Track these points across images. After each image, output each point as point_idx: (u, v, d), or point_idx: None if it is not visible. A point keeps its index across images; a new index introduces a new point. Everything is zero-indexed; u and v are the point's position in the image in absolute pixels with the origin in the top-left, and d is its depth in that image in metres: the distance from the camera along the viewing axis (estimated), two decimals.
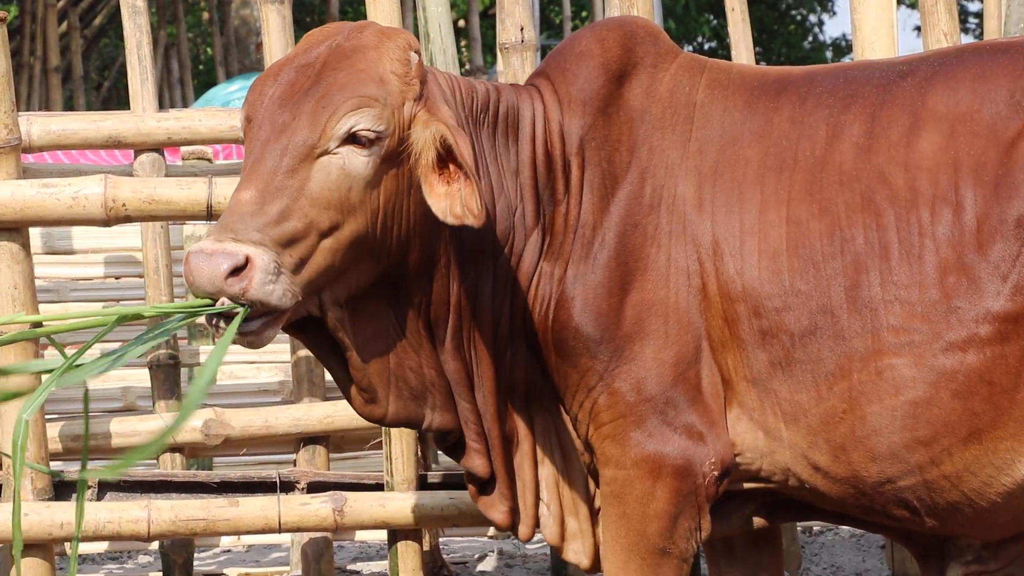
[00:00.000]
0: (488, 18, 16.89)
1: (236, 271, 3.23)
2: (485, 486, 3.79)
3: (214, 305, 3.26)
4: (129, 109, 5.08)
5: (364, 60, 3.46)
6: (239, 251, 3.24)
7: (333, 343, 3.59)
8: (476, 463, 3.74)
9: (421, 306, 3.60)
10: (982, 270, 3.39)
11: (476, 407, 3.71)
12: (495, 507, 3.78)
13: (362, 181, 3.40)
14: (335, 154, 3.38)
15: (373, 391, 3.63)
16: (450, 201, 3.41)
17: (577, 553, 3.83)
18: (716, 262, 3.57)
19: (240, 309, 3.25)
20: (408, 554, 4.76)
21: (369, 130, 3.39)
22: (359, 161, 3.39)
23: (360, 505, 4.66)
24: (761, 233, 3.55)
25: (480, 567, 5.47)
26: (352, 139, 3.38)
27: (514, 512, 3.79)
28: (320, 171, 3.37)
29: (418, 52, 3.54)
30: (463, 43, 16.45)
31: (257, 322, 3.30)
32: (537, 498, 3.80)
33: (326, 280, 3.40)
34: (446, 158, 3.43)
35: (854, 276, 3.47)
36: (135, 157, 5.11)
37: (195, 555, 5.37)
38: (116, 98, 18.30)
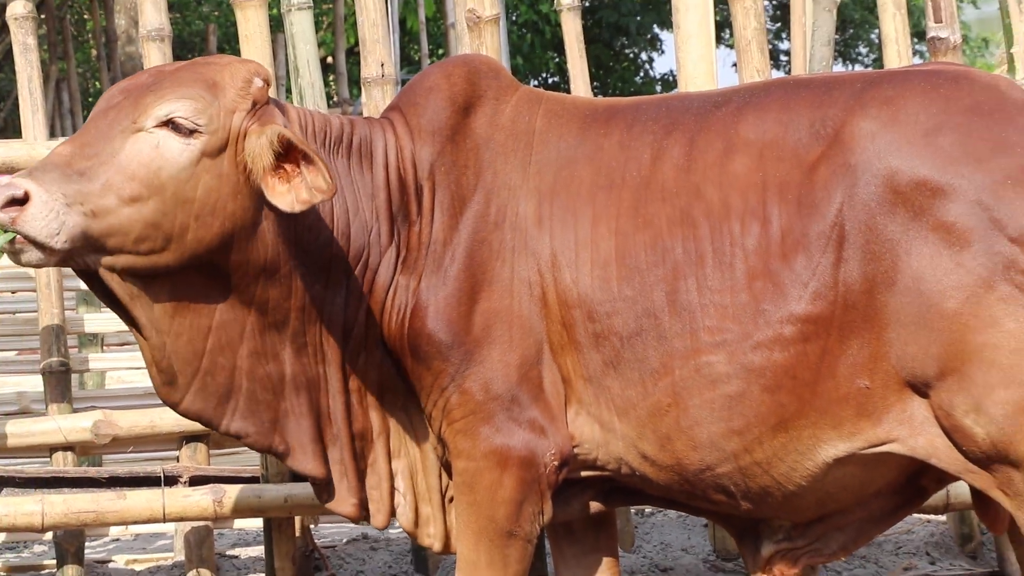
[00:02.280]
0: (353, 54, 16.81)
1: (15, 202, 3.29)
2: (325, 485, 3.74)
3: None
4: (21, 137, 5.01)
5: (207, 70, 3.50)
6: (22, 186, 3.29)
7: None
8: (309, 465, 3.70)
9: (256, 308, 3.56)
10: (786, 277, 3.43)
11: (315, 409, 3.67)
12: (345, 502, 3.75)
13: (175, 165, 3.40)
14: (151, 133, 3.40)
15: (173, 375, 3.56)
16: (295, 193, 3.41)
17: (431, 537, 3.83)
18: (554, 273, 3.59)
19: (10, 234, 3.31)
20: (282, 540, 4.75)
21: (187, 119, 3.40)
22: (174, 145, 3.40)
23: (238, 496, 4.64)
24: (593, 245, 3.57)
25: (348, 550, 5.45)
26: (171, 124, 3.40)
27: (363, 506, 3.77)
28: (133, 144, 3.39)
29: (267, 82, 3.55)
30: (331, 77, 16.38)
31: (33, 252, 3.33)
32: (392, 488, 3.79)
33: (120, 244, 3.39)
34: (284, 155, 3.43)
35: (674, 282, 3.50)
36: None
37: (86, 544, 5.29)
38: (12, 127, 18.02)
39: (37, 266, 3.42)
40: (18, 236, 3.30)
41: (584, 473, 3.71)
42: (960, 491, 4.62)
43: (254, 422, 3.65)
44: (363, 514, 3.78)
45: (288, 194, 3.42)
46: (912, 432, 3.40)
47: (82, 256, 3.39)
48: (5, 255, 3.35)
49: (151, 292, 3.48)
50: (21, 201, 3.29)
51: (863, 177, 3.39)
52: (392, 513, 3.80)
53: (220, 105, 3.45)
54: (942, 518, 5.60)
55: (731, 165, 3.52)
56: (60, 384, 5.10)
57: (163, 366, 3.55)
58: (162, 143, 3.40)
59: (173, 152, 3.41)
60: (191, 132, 3.41)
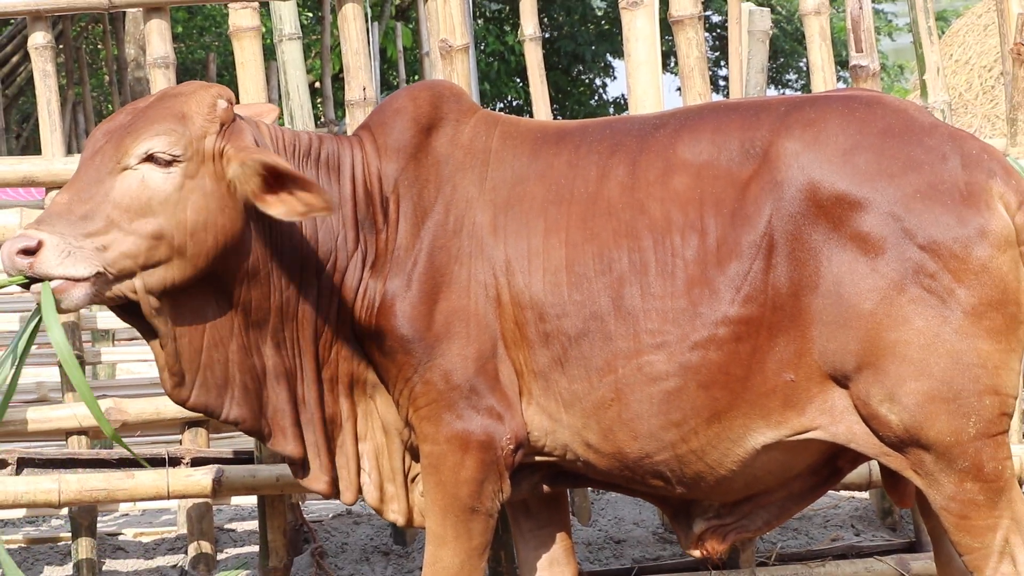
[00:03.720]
0: (338, 79, 16.78)
1: (28, 251, 3.32)
2: (302, 464, 3.75)
3: (28, 282, 3.37)
4: (41, 154, 4.99)
5: (175, 103, 3.50)
6: (34, 236, 3.33)
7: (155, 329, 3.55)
8: (288, 447, 3.70)
9: (241, 307, 3.57)
10: (721, 283, 3.43)
11: (293, 397, 3.68)
12: (318, 479, 3.74)
13: (162, 193, 3.41)
14: (135, 169, 3.41)
15: (182, 376, 3.56)
16: (288, 205, 3.42)
17: (395, 513, 3.81)
18: (508, 277, 3.58)
19: (42, 283, 3.35)
20: (274, 515, 4.74)
21: (164, 152, 3.41)
22: (158, 176, 3.41)
23: (235, 476, 4.62)
24: (545, 254, 3.57)
25: (333, 524, 5.44)
26: (151, 159, 3.41)
27: (334, 483, 3.76)
28: (122, 182, 3.40)
29: (230, 102, 3.56)
30: (318, 100, 16.34)
31: (65, 288, 3.35)
32: (359, 469, 3.78)
33: (133, 266, 3.40)
34: (272, 180, 3.43)
35: (619, 289, 3.49)
36: (46, 193, 5.01)
37: (98, 518, 5.27)
38: (33, 145, 17.95)
39: (78, 306, 3.44)
40: (55, 285, 3.35)
41: (534, 458, 3.70)
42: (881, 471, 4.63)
43: (247, 410, 3.64)
44: (334, 491, 3.77)
45: (282, 204, 3.43)
46: (833, 420, 3.40)
47: (108, 287, 3.41)
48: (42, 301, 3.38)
49: (166, 305, 3.49)
50: (34, 251, 3.33)
51: (789, 192, 3.40)
52: (359, 491, 3.79)
53: (191, 134, 3.45)
54: (865, 494, 5.62)
55: (671, 182, 3.51)
56: None
57: (174, 370, 3.55)
58: (147, 176, 3.41)
59: (158, 182, 3.42)
60: (170, 163, 3.42)
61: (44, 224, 3.35)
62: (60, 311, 3.40)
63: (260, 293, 3.58)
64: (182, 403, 3.62)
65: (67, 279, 3.34)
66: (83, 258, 3.35)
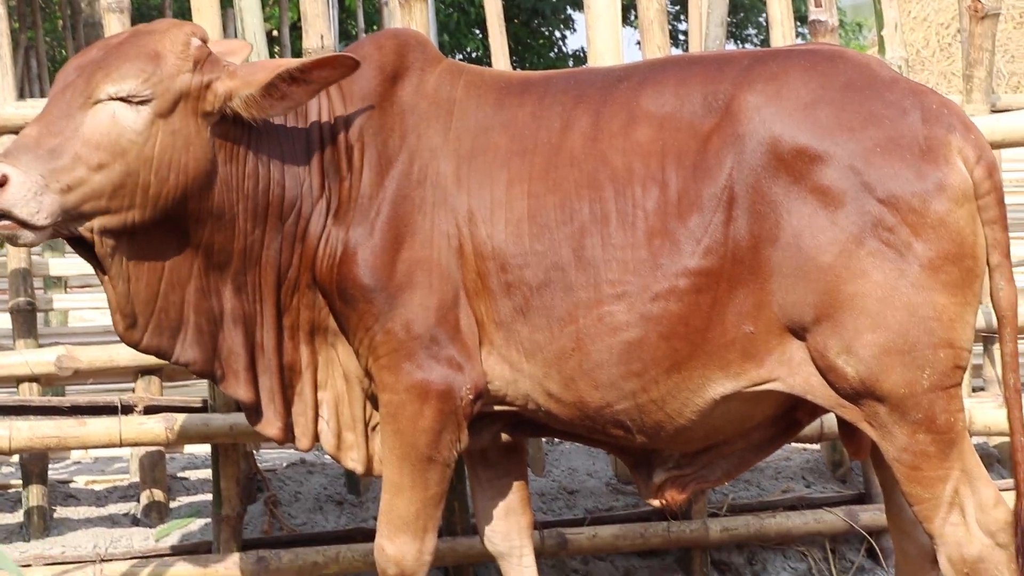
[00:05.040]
0: (296, 28, 16.63)
1: None
2: (255, 409, 3.74)
3: None
4: None
5: (149, 40, 3.47)
6: (0, 170, 3.26)
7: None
8: (240, 391, 3.69)
9: (203, 250, 3.55)
10: (681, 235, 3.43)
11: (251, 342, 3.67)
12: (271, 425, 3.74)
13: (132, 131, 3.38)
14: (106, 104, 3.37)
15: (134, 318, 3.53)
16: (304, 89, 3.48)
17: (354, 461, 3.82)
18: (471, 228, 3.57)
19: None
20: (228, 464, 4.71)
21: (135, 91, 3.38)
22: (128, 114, 3.38)
23: (188, 424, 4.60)
24: (507, 204, 3.56)
25: (287, 473, 5.43)
26: (122, 96, 3.38)
27: (288, 429, 3.75)
28: (93, 117, 3.37)
29: (203, 40, 3.54)
30: (276, 49, 16.18)
31: (25, 233, 3.32)
32: (316, 416, 3.78)
33: (95, 208, 3.37)
34: (283, 85, 3.46)
35: (580, 239, 3.49)
36: None
37: (49, 466, 5.25)
38: None
39: (31, 245, 3.41)
40: (6, 223, 3.29)
41: (495, 408, 3.71)
42: (832, 423, 4.66)
43: (200, 351, 3.63)
44: (287, 437, 3.76)
45: (295, 94, 3.48)
46: (791, 372, 3.42)
47: (65, 226, 3.37)
48: None
49: (122, 246, 3.45)
50: (1, 183, 3.26)
51: (750, 145, 3.39)
52: (316, 438, 3.79)
53: (163, 72, 3.42)
54: (816, 447, 5.66)
55: (634, 134, 3.51)
56: (26, 322, 5.04)
57: (126, 311, 3.52)
58: (117, 112, 3.37)
59: (128, 120, 3.38)
60: (141, 101, 3.39)
61: (11, 157, 3.29)
62: (15, 245, 3.40)
63: (224, 236, 3.56)
64: (134, 345, 3.59)
65: (25, 224, 3.29)
66: (47, 205, 3.29)
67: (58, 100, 3.40)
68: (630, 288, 3.45)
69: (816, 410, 3.60)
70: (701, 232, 3.42)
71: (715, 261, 3.40)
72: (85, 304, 7.63)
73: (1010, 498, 3.41)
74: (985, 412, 4.73)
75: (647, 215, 3.45)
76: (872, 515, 5.02)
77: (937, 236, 3.29)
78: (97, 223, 3.39)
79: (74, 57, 3.52)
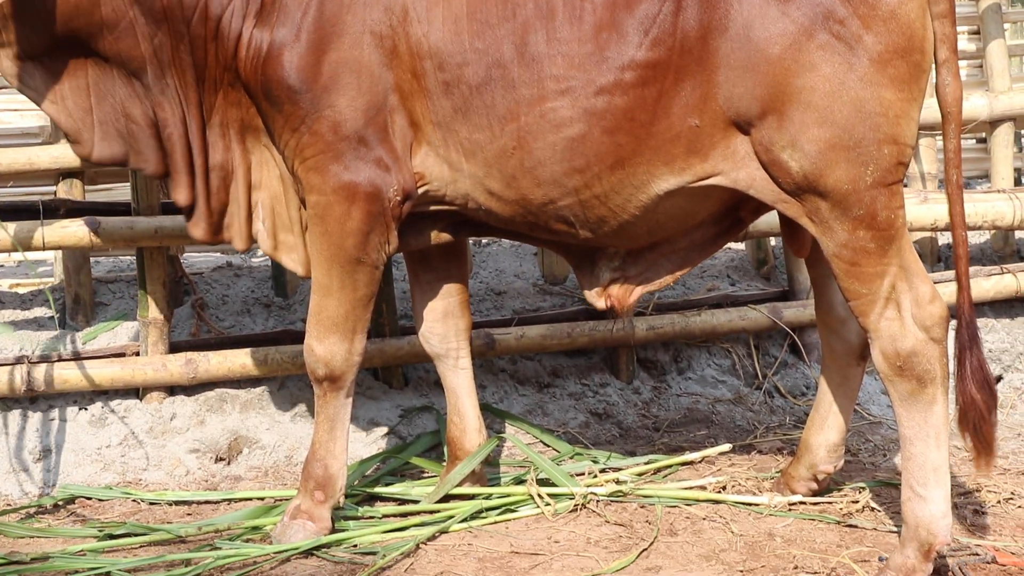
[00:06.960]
0: None
1: None
2: (191, 211, 3.73)
3: None
4: None
5: None
6: None
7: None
8: (179, 195, 3.68)
9: (115, 60, 3.55)
10: (629, 26, 3.31)
11: (187, 144, 3.63)
12: (198, 225, 3.73)
13: None
14: None
15: (78, 134, 3.56)
16: None
17: (294, 262, 3.77)
18: (405, 27, 3.44)
19: None
20: (154, 267, 4.62)
21: None
22: None
23: (112, 227, 4.49)
24: (445, 2, 3.43)
25: (214, 276, 5.32)
26: None
27: (214, 230, 3.73)
28: None
29: None
30: None
31: None
32: (250, 216, 3.72)
33: None
34: None
35: (523, 36, 3.37)
36: None
37: None
38: None
39: None
40: None
41: (433, 208, 3.64)
42: (757, 222, 4.61)
43: (149, 156, 3.65)
44: (214, 238, 3.75)
45: None
46: (735, 166, 3.34)
47: None
48: None
49: (29, 69, 3.51)
50: None
51: None
52: (250, 239, 3.74)
53: None
54: (741, 246, 5.65)
55: None
56: None
57: (68, 128, 3.57)
58: None
59: None
60: None
61: None
62: None
63: (128, 44, 3.52)
64: (87, 158, 3.60)
65: None
66: None
67: None
68: (574, 83, 3.34)
69: (760, 208, 3.53)
70: (650, 22, 3.30)
71: (663, 52, 3.28)
72: (2, 106, 7.37)
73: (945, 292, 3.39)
74: (909, 208, 4.71)
75: (595, 8, 3.34)
76: (795, 312, 5.03)
77: (887, 29, 3.19)
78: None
79: None
